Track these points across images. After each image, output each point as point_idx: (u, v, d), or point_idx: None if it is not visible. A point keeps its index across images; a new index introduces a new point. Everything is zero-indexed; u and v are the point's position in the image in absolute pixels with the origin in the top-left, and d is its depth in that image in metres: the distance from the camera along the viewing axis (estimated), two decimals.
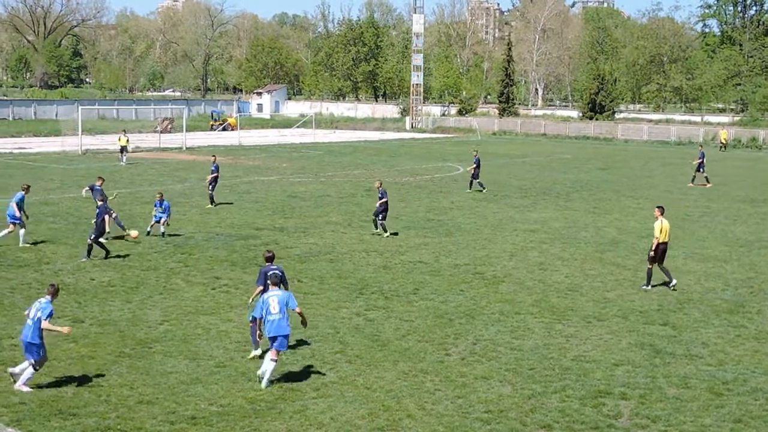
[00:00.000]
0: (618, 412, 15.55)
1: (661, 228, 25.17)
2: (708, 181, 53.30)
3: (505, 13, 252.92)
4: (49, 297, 16.11)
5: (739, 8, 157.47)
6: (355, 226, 34.51)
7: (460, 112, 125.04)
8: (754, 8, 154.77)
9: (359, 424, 14.73)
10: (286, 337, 16.35)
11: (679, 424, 15.03)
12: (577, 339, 19.96)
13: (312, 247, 29.84)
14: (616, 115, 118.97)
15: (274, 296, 16.48)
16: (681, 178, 56.73)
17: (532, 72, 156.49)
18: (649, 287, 24.93)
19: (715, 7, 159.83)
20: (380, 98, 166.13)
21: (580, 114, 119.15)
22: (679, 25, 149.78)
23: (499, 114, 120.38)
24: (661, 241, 25.05)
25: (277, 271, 17.71)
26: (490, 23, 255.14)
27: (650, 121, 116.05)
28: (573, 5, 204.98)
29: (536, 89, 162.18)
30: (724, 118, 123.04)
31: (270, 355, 16.30)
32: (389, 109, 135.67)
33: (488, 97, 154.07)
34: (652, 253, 25.05)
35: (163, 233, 30.96)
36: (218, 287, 24.08)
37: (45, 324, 15.72)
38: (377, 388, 16.42)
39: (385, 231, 32.54)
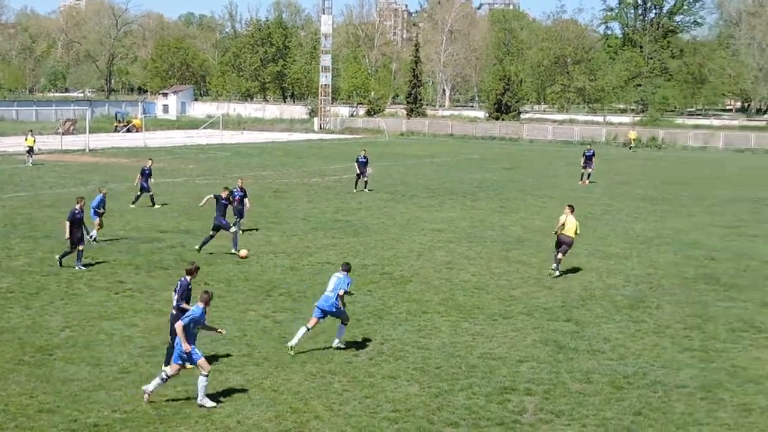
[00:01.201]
0: (523, 407, 15.78)
1: (564, 222, 27.06)
2: (583, 179, 54.72)
3: (413, 15, 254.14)
4: None
5: (640, 11, 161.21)
6: (262, 228, 34.32)
7: (368, 113, 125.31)
8: (654, 11, 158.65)
9: (266, 426, 14.66)
10: (331, 312, 18.75)
11: (582, 418, 15.32)
12: (483, 337, 20.19)
13: (219, 250, 29.56)
14: (522, 116, 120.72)
15: (335, 276, 19.02)
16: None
17: (439, 73, 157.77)
18: (557, 272, 26.79)
19: (616, 10, 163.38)
20: (288, 99, 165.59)
21: (487, 114, 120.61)
22: (583, 28, 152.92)
23: (407, 115, 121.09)
24: (560, 233, 27.03)
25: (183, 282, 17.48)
26: (399, 24, 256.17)
27: (554, 121, 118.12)
28: (479, 7, 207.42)
29: (444, 90, 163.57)
30: (625, 119, 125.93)
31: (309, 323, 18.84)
32: (297, 110, 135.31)
33: (396, 97, 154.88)
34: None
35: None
36: (122, 291, 23.68)
37: None
38: (285, 390, 16.36)
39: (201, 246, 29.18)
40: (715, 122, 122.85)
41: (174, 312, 17.18)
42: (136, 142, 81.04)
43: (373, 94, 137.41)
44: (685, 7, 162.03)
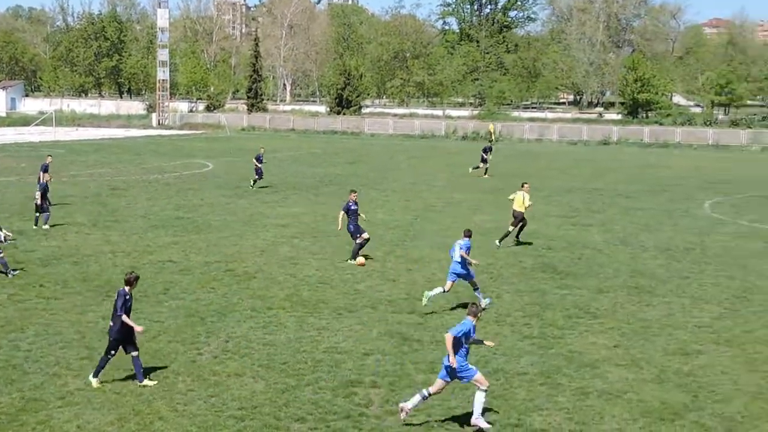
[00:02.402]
0: (369, 400, 15.88)
1: (522, 199, 30.82)
2: (474, 170, 56.54)
3: (252, 9, 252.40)
4: None
5: (476, 7, 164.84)
6: (100, 227, 33.39)
7: (208, 108, 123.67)
8: (489, 7, 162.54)
9: (108, 430, 14.27)
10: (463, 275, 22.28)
11: (427, 408, 15.52)
12: (329, 331, 20.22)
13: (54, 250, 28.60)
14: (363, 110, 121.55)
15: (457, 244, 22.36)
16: (425, 170, 58.67)
17: (279, 68, 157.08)
18: (499, 244, 30.66)
19: (453, 6, 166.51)
20: (125, 94, 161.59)
21: (328, 109, 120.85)
22: (421, 23, 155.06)
23: (248, 110, 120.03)
24: (517, 209, 30.79)
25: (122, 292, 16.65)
26: (237, 19, 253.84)
27: (395, 115, 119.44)
28: (318, 2, 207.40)
29: (284, 85, 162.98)
30: (463, 112, 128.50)
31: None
32: (135, 106, 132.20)
33: (237, 92, 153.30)
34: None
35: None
36: None
37: None
38: (127, 392, 15.97)
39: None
40: (550, 115, 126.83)
41: (111, 323, 16.44)
42: None
43: (212, 89, 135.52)
44: (519, 3, 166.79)
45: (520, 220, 30.97)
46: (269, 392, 16.15)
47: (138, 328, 16.49)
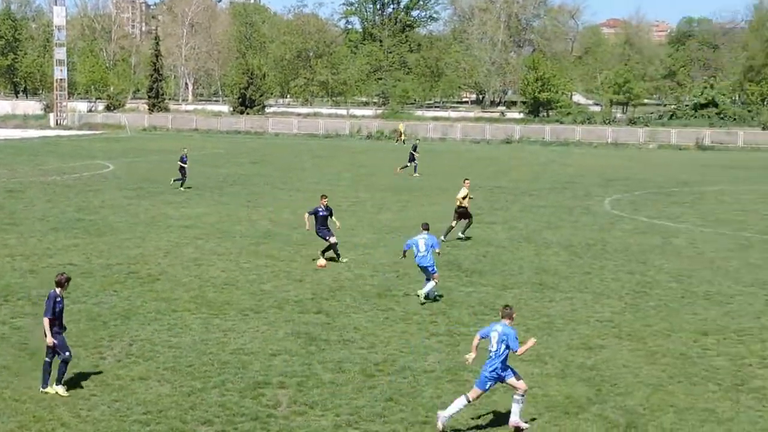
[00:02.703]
0: (277, 401, 15.79)
1: (466, 195, 32.32)
2: (400, 169, 56.89)
3: (152, 7, 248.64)
4: None
5: (378, 6, 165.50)
6: None
7: (108, 108, 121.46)
8: (392, 6, 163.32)
9: None
10: (431, 266, 22.95)
11: (335, 407, 15.51)
12: (235, 332, 20.05)
13: None
14: (267, 110, 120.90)
15: (422, 238, 23.15)
16: (330, 169, 58.64)
17: (181, 66, 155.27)
18: (444, 239, 31.07)
19: (356, 5, 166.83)
20: (21, 94, 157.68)
21: (231, 108, 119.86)
22: (324, 22, 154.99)
23: (149, 109, 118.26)
24: (460, 204, 32.25)
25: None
26: (137, 17, 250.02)
27: (299, 114, 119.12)
28: (220, 0, 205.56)
29: (186, 84, 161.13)
30: (368, 111, 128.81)
31: (433, 279, 23.03)
32: (31, 106, 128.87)
33: (138, 92, 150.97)
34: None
35: None
36: None
37: None
38: (27, 399, 15.57)
39: None
40: (453, 114, 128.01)
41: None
42: None
43: (112, 88, 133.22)
44: (421, 3, 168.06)
45: (463, 214, 32.48)
46: (175, 395, 15.93)
47: (48, 341, 15.90)
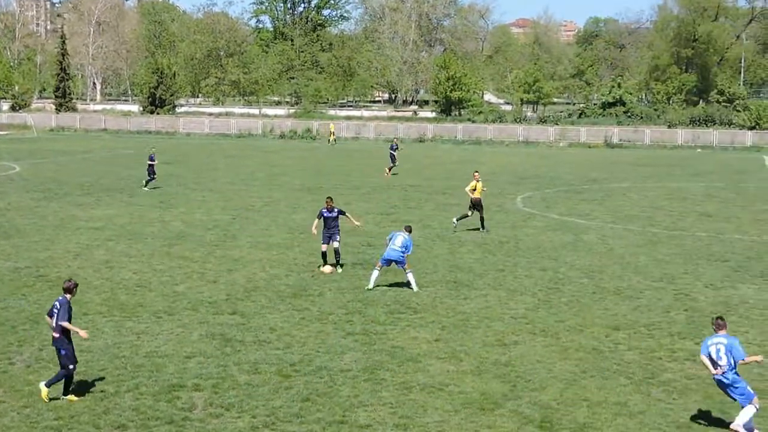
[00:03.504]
0: (192, 404, 15.60)
1: (474, 186, 34.29)
2: (389, 172, 56.69)
3: (57, 5, 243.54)
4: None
5: (289, 5, 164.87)
6: None
7: (13, 108, 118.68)
8: (303, 5, 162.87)
9: None
10: (398, 261, 24.26)
11: (252, 409, 15.39)
12: (149, 335, 19.75)
13: None
14: (177, 109, 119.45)
15: (401, 236, 24.34)
16: (243, 169, 58.20)
17: (89, 66, 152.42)
18: (455, 222, 34.52)
19: (266, 4, 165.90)
20: None
21: (141, 108, 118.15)
22: (234, 21, 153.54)
23: (56, 109, 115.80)
24: (475, 196, 34.30)
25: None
26: (42, 15, 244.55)
27: (211, 114, 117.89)
28: None
29: (94, 83, 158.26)
30: (280, 111, 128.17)
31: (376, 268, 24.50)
32: None
33: (44, 91, 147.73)
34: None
35: None
36: None
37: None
38: None
39: None
40: (366, 113, 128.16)
41: (56, 335, 15.57)
42: None
43: (17, 88, 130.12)
44: (332, 2, 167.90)
45: (477, 205, 34.39)
46: (87, 400, 15.63)
47: (83, 334, 15.91)
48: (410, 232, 24.90)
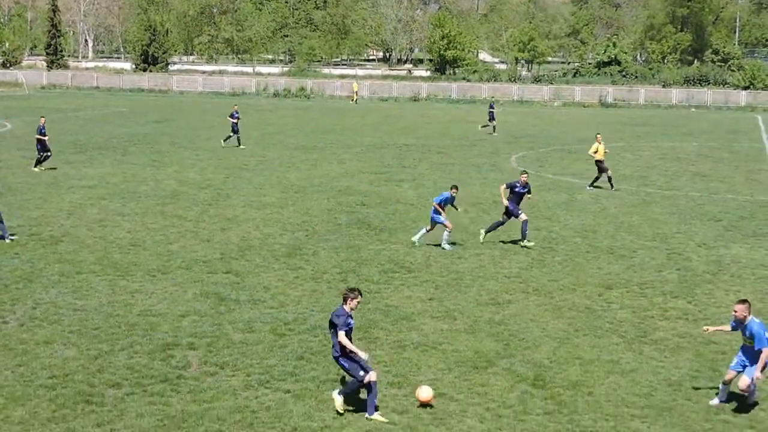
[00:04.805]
0: (187, 362, 15.64)
1: (596, 148, 35.45)
2: (494, 130, 57.54)
3: None
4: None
5: None
6: None
7: (4, 65, 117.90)
8: None
9: None
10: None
11: (246, 367, 15.44)
12: (143, 294, 19.77)
13: None
14: (170, 67, 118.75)
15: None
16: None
17: (80, 23, 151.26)
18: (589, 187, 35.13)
19: None
20: None
21: (134, 66, 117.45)
22: None
23: (48, 67, 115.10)
24: (597, 158, 35.48)
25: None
26: None
27: (204, 72, 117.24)
28: None
29: (86, 41, 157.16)
30: (274, 69, 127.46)
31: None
32: None
33: (35, 48, 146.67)
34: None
35: None
36: None
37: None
38: None
39: None
40: (360, 72, 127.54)
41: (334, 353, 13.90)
42: None
43: (8, 44, 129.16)
44: None
45: (600, 166, 35.42)
46: (81, 359, 15.66)
47: (363, 355, 13.75)
48: (457, 190, 25.27)
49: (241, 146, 46.81)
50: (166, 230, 26.35)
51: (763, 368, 13.94)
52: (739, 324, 14.26)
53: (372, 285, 20.85)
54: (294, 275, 21.64)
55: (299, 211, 29.68)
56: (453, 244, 24.99)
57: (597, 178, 35.63)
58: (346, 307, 13.92)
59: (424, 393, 13.85)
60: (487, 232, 25.71)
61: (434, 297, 20.07)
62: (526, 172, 26.36)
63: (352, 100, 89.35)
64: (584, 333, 17.71)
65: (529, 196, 26.09)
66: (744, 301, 14.28)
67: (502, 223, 25.70)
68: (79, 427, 13.02)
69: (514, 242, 25.48)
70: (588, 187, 35.35)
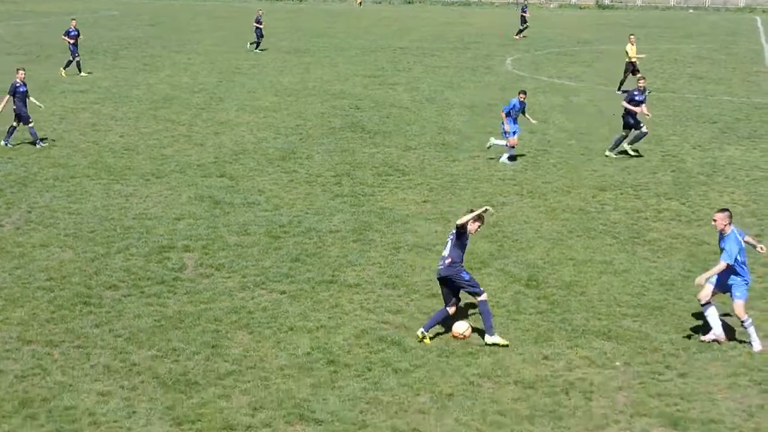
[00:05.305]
0: (183, 264, 15.75)
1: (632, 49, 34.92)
2: (517, 36, 55.89)
3: None
4: None
5: None
6: None
7: None
8: None
9: None
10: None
11: (242, 269, 15.55)
12: (137, 198, 19.79)
13: None
14: None
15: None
16: (229, 32, 57.26)
17: None
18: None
19: None
20: None
21: None
22: None
23: None
24: (630, 59, 34.76)
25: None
26: None
27: None
28: None
29: None
30: None
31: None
32: None
33: None
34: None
35: None
36: None
37: None
38: None
39: None
40: None
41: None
42: None
43: None
44: None
45: (633, 71, 34.44)
46: (78, 261, 15.75)
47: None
48: (523, 95, 23.76)
49: (256, 50, 46.64)
50: (159, 134, 26.26)
51: (710, 277, 13.09)
52: (720, 236, 13.16)
53: (366, 188, 20.89)
54: (288, 178, 21.64)
55: (293, 114, 29.54)
56: (513, 159, 23.64)
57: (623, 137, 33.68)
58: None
59: (461, 328, 13.31)
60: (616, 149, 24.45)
61: (428, 199, 20.11)
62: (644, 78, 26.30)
63: (358, 2, 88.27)
64: (578, 234, 17.81)
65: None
66: (724, 210, 13.18)
67: (625, 137, 24.65)
68: (77, 327, 13.16)
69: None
70: (617, 91, 34.37)
